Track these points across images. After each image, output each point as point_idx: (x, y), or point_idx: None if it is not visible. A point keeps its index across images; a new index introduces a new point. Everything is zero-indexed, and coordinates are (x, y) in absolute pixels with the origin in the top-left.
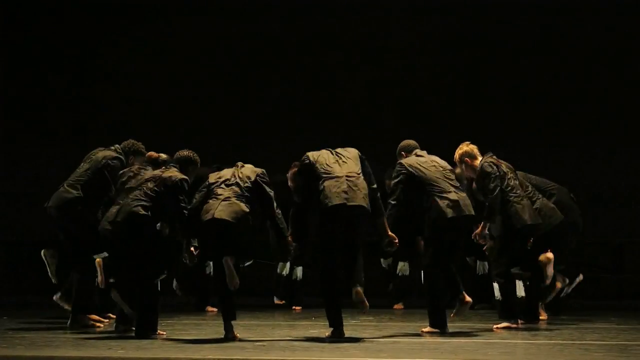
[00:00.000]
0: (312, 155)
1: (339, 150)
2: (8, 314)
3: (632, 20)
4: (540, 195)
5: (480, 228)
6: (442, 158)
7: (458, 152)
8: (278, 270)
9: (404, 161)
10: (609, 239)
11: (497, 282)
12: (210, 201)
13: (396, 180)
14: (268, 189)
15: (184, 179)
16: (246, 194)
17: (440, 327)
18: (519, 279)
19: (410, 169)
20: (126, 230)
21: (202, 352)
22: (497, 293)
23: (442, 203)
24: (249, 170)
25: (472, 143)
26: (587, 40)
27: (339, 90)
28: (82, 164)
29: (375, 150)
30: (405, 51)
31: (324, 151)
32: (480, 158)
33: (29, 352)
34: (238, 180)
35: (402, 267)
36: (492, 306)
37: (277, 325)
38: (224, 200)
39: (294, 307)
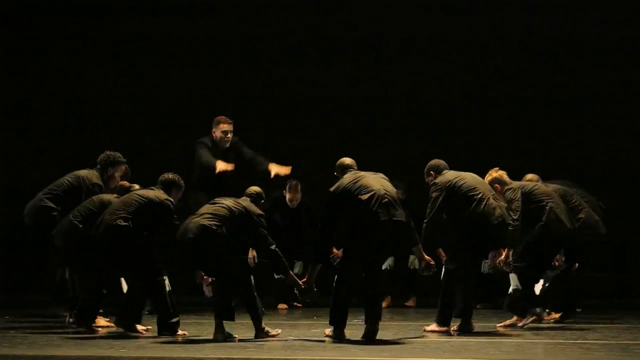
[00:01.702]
0: (344, 182)
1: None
2: (10, 313)
3: None
4: (586, 205)
5: (504, 255)
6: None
7: (487, 179)
8: (276, 276)
9: (438, 180)
10: (610, 238)
11: (518, 276)
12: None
13: (433, 200)
14: (261, 230)
15: (169, 199)
16: (227, 217)
17: (446, 325)
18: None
19: (447, 185)
20: (108, 243)
21: (204, 351)
22: (513, 283)
23: (485, 209)
24: (247, 203)
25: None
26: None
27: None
28: (62, 178)
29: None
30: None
31: (368, 173)
32: (509, 183)
33: (30, 352)
34: (228, 204)
35: (413, 260)
36: (494, 305)
37: (279, 325)
38: (196, 217)
39: (295, 303)
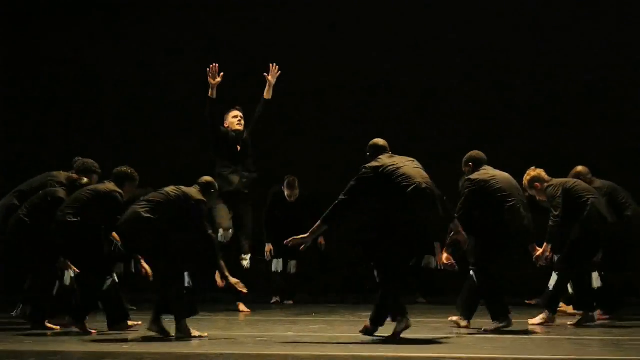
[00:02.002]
0: (386, 163)
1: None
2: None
3: None
4: (633, 202)
5: (541, 251)
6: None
7: (526, 179)
8: (273, 268)
9: (473, 176)
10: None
11: (558, 275)
12: None
13: (465, 197)
14: (198, 216)
15: (116, 190)
16: (163, 202)
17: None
18: (594, 271)
19: (481, 184)
20: (59, 239)
21: (204, 347)
22: (551, 282)
23: (514, 217)
24: (189, 189)
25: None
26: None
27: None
28: (35, 177)
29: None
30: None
31: (404, 158)
32: (549, 180)
33: (35, 347)
34: (167, 189)
35: (428, 260)
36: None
37: (278, 321)
38: (135, 204)
39: (284, 301)
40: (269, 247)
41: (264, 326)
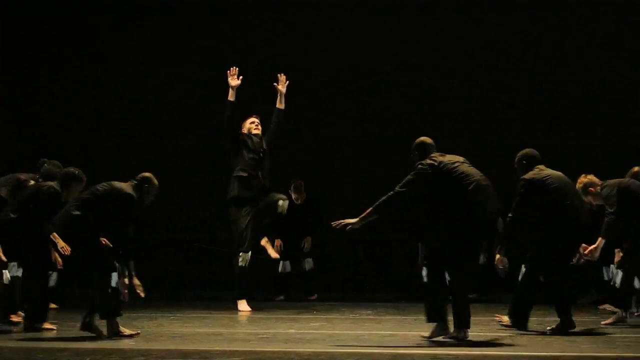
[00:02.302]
0: (444, 160)
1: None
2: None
3: None
4: None
5: (594, 246)
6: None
7: (579, 186)
8: (280, 269)
9: (527, 176)
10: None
11: (623, 272)
12: None
13: (519, 198)
14: (124, 214)
15: (54, 187)
16: (91, 199)
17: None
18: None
19: (534, 184)
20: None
21: (209, 344)
22: (618, 280)
23: (575, 209)
24: (119, 184)
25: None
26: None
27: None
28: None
29: None
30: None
31: (455, 156)
32: (602, 182)
33: (43, 345)
34: (97, 186)
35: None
36: (488, 299)
37: (280, 319)
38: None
39: (308, 297)
40: (278, 241)
41: (265, 324)
